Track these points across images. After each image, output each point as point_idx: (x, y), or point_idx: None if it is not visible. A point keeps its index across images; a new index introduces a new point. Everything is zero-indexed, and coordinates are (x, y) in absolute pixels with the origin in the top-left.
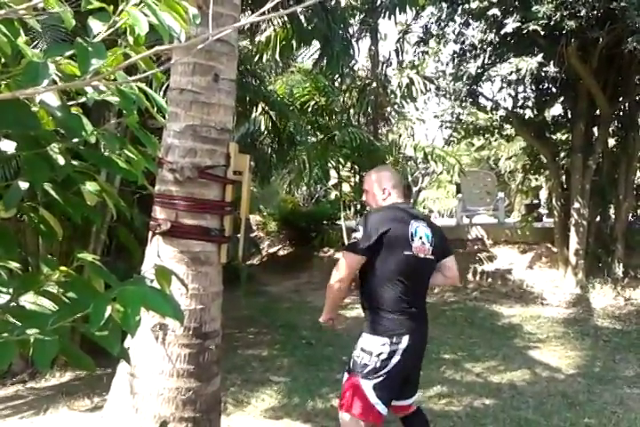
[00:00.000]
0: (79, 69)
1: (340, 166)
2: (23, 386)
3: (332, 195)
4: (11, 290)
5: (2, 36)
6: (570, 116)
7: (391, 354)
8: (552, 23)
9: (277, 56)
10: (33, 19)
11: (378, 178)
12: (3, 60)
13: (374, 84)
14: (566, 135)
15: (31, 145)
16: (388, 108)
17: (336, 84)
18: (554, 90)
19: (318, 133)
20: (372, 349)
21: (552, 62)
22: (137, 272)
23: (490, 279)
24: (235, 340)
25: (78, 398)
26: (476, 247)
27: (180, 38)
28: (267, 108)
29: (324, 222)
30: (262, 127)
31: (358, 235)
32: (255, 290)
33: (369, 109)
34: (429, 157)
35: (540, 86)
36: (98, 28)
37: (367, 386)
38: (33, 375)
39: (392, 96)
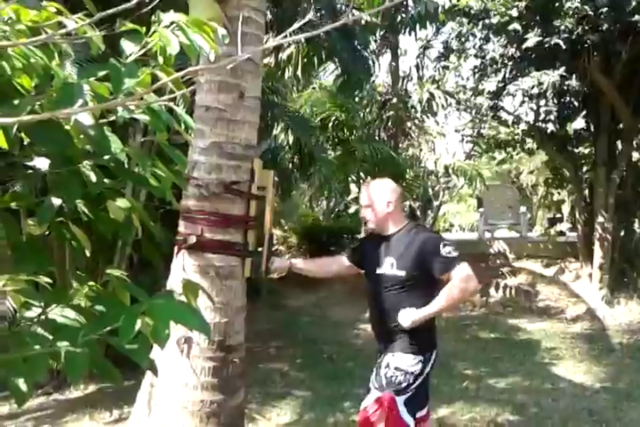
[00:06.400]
0: (113, 89)
1: (361, 181)
2: (47, 398)
3: (352, 208)
4: (41, 303)
5: (38, 59)
6: (593, 129)
7: (422, 369)
8: (574, 37)
9: (299, 73)
10: (66, 43)
11: (381, 191)
12: (36, 81)
13: (395, 100)
14: (589, 149)
15: (64, 162)
16: (409, 123)
17: (356, 99)
18: (576, 104)
19: (339, 148)
20: (407, 367)
21: (574, 76)
22: (160, 286)
23: (513, 294)
24: (255, 353)
25: (101, 411)
26: (498, 262)
27: (210, 58)
28: (288, 124)
29: (345, 236)
30: (284, 143)
31: (452, 249)
32: (275, 304)
33: (389, 124)
34: (451, 170)
35: (563, 100)
36: (130, 48)
37: (400, 402)
38: (58, 387)
39: (412, 111)
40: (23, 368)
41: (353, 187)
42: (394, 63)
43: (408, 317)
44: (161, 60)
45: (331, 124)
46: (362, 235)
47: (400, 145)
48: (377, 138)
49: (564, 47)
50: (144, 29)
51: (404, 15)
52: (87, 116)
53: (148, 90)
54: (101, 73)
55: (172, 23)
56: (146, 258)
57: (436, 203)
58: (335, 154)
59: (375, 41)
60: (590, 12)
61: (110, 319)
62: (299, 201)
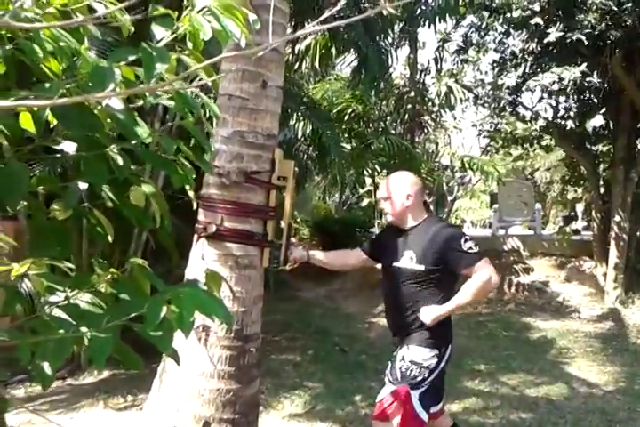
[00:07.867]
0: (144, 74)
1: (376, 173)
2: (62, 382)
3: (365, 201)
4: (65, 288)
5: (68, 42)
6: (612, 127)
7: (438, 364)
8: (596, 33)
9: (317, 64)
10: (94, 27)
11: (401, 184)
12: (64, 65)
13: (412, 93)
14: (607, 147)
15: (91, 146)
16: (426, 117)
17: (373, 91)
18: (596, 101)
19: (355, 140)
20: (422, 361)
21: (595, 72)
22: (175, 275)
23: (526, 292)
24: (268, 344)
25: (114, 396)
26: (511, 259)
27: (241, 44)
28: (305, 115)
29: (357, 229)
30: (299, 134)
31: (473, 244)
32: (287, 295)
33: (406, 117)
34: (467, 165)
35: (582, 97)
36: (161, 33)
37: (415, 396)
38: (72, 372)
39: (430, 104)
40: (49, 352)
41: (367, 180)
42: (412, 56)
43: (429, 314)
44: (190, 45)
45: (347, 117)
46: (375, 228)
47: (416, 139)
48: (393, 131)
49: (585, 43)
50: (175, 14)
51: (423, 7)
52: (117, 100)
53: (179, 76)
54: (131, 57)
55: (203, 8)
56: (161, 247)
57: (450, 198)
58: (349, 146)
59: (394, 33)
60: (614, 8)
61: (135, 306)
62: (312, 193)
